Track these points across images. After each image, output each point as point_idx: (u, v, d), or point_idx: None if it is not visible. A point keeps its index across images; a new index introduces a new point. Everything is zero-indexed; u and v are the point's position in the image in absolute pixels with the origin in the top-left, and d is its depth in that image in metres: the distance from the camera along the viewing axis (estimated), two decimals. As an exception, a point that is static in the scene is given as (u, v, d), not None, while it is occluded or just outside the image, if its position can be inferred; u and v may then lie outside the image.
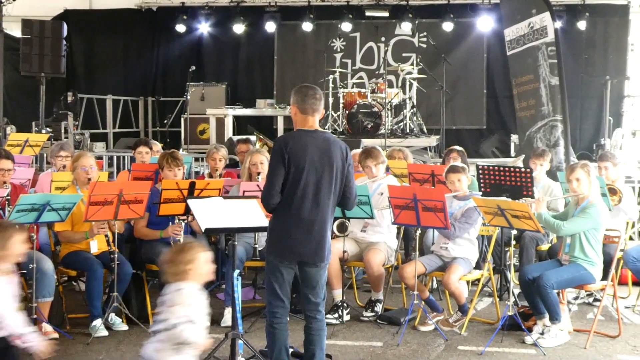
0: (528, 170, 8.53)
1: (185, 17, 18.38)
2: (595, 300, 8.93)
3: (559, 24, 14.96)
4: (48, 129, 15.39)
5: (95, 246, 7.96)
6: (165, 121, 17.17)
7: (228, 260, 7.68)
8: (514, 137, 15.68)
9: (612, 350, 7.43)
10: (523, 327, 7.49)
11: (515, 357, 7.25)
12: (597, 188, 7.79)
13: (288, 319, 6.28)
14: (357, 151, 10.14)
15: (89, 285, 7.82)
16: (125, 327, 7.95)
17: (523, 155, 11.89)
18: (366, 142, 13.88)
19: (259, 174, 8.69)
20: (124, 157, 13.90)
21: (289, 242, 6.08)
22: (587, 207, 7.57)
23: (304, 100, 6.15)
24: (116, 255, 7.71)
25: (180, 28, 18.47)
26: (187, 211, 7.81)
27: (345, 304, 8.31)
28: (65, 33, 15.88)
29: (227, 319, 7.92)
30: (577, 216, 7.59)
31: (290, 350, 6.74)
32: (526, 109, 11.93)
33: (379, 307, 8.47)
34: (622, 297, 9.09)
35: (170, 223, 8.18)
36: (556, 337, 7.52)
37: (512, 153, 15.76)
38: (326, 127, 16.32)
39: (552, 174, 9.98)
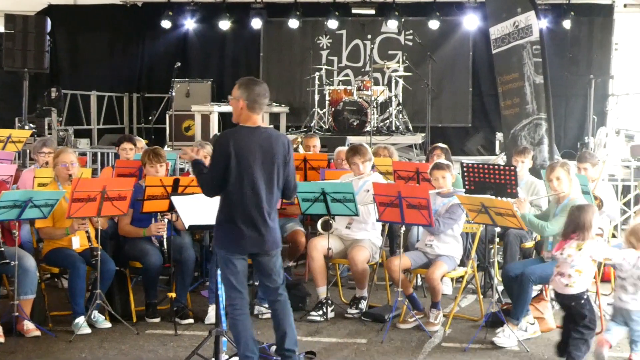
0: (512, 168, 8.54)
1: (170, 13, 18.30)
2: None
3: (544, 23, 15.04)
4: (31, 125, 15.30)
5: (77, 242, 7.93)
6: (150, 117, 17.12)
7: (212, 258, 7.66)
8: (499, 135, 15.72)
9: (594, 346, 7.44)
10: (506, 323, 7.50)
11: (499, 353, 7.27)
12: (578, 186, 7.82)
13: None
14: (343, 148, 10.17)
15: (72, 283, 7.79)
16: (108, 324, 7.92)
17: (504, 153, 11.94)
18: (352, 139, 13.92)
19: None
20: (108, 153, 13.84)
21: (236, 236, 6.20)
22: (569, 206, 7.57)
23: (255, 99, 6.28)
24: (99, 252, 7.68)
25: (166, 24, 18.40)
26: (171, 208, 7.80)
27: (329, 301, 8.32)
28: (49, 28, 15.78)
29: (211, 316, 7.90)
30: (559, 216, 7.61)
31: (274, 347, 6.76)
32: (511, 107, 11.95)
33: (363, 304, 8.47)
34: (605, 294, 9.12)
35: (153, 220, 8.16)
36: (526, 332, 7.59)
37: (497, 151, 15.80)
38: (312, 124, 16.33)
39: (536, 171, 10.01)
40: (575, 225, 6.82)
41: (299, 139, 12.57)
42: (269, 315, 7.97)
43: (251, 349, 6.26)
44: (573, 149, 16.00)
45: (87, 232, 7.84)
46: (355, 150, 8.72)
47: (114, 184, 7.86)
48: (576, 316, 6.88)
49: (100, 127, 18.27)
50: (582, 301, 6.85)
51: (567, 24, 16.96)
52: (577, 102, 17.28)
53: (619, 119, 16.01)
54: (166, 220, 8.13)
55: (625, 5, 17.14)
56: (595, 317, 7.05)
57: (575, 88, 17.11)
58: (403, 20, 17.86)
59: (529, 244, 9.17)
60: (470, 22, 17.35)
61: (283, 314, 6.41)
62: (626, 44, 16.83)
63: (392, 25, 17.92)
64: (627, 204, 11.42)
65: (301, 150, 11.60)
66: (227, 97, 17.54)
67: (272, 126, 7.26)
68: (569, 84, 17.11)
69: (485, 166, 8.66)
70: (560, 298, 6.97)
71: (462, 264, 8.31)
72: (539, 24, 11.83)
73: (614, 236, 10.17)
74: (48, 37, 15.75)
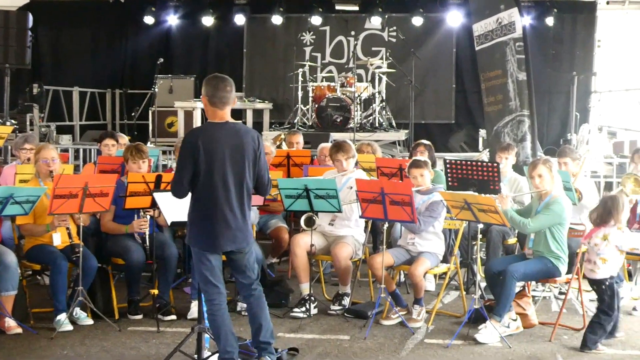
0: (495, 164, 8.56)
1: (153, 9, 18.26)
2: (560, 293, 9.00)
3: (527, 20, 15.08)
4: (13, 121, 15.23)
5: (59, 239, 7.90)
6: (133, 114, 17.07)
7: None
8: (482, 132, 15.75)
9: (577, 342, 7.47)
10: (489, 320, 7.51)
11: (482, 349, 7.28)
12: (560, 183, 7.84)
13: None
14: (327, 145, 10.17)
15: (53, 279, 7.75)
16: (90, 321, 7.89)
17: (487, 150, 11.96)
18: (335, 135, 13.91)
19: None
20: (90, 149, 13.79)
21: (207, 234, 6.20)
22: (550, 204, 7.62)
23: (214, 94, 6.23)
24: (81, 249, 7.65)
25: (149, 20, 18.35)
26: (154, 204, 7.77)
27: (312, 298, 8.32)
28: (30, 24, 15.70)
29: (193, 313, 7.89)
30: (541, 213, 7.64)
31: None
32: (494, 103, 11.97)
33: (346, 301, 8.48)
34: (587, 291, 9.12)
35: (136, 217, 8.14)
36: (508, 328, 7.63)
37: (480, 147, 15.83)
38: (295, 120, 16.32)
39: (519, 168, 10.04)
40: (606, 214, 7.16)
41: (282, 136, 12.57)
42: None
43: (231, 343, 6.27)
44: (556, 145, 16.02)
45: (67, 228, 7.81)
46: (338, 147, 8.72)
47: (96, 180, 7.82)
48: (598, 300, 7.30)
49: (83, 123, 18.19)
50: (604, 287, 7.19)
51: (550, 20, 17.04)
52: (559, 99, 17.35)
53: (601, 116, 16.08)
54: (148, 216, 8.11)
55: (607, 2, 17.22)
56: (615, 305, 7.21)
57: (558, 85, 17.17)
58: (386, 16, 17.91)
59: (512, 240, 9.20)
60: (454, 18, 17.38)
61: (258, 308, 6.43)
62: (609, 41, 16.90)
63: (375, 21, 17.94)
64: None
65: (284, 146, 11.59)
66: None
67: (241, 121, 7.24)
68: (551, 81, 17.17)
69: (468, 163, 8.68)
70: (588, 281, 7.40)
71: (445, 260, 8.32)
72: (522, 21, 11.86)
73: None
74: (30, 33, 15.68)
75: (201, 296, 6.62)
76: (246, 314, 7.72)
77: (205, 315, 6.56)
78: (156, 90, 16.38)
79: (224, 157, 6.14)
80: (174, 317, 8.08)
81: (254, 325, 6.45)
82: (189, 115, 16.50)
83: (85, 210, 7.71)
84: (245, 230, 6.30)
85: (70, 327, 7.67)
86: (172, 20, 18.79)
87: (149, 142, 15.90)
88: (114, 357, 7.03)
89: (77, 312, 7.87)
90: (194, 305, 7.87)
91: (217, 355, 6.54)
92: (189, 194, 6.26)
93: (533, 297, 8.24)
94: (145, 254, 8.11)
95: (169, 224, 7.12)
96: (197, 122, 16.39)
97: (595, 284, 7.27)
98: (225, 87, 6.25)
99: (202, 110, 16.57)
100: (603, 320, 7.21)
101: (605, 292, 7.20)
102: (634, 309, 8.49)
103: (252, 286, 6.43)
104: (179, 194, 6.24)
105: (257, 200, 7.54)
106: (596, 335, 7.21)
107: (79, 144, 15.69)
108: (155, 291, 8.01)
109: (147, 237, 8.11)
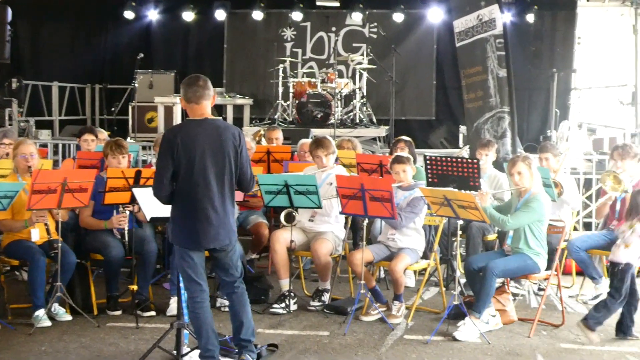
0: (475, 161, 8.58)
1: (134, 3, 18.15)
2: (540, 289, 9.04)
3: (507, 17, 15.09)
4: (-8, 116, 15.14)
5: (37, 235, 7.87)
6: (113, 109, 17.00)
7: (173, 250, 7.62)
8: (463, 128, 15.77)
9: (556, 338, 7.52)
10: (468, 316, 7.53)
11: (461, 345, 7.30)
12: (540, 180, 7.87)
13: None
14: (307, 141, 10.16)
15: (32, 275, 7.71)
16: (69, 317, 7.87)
17: (468, 146, 11.99)
18: (316, 131, 13.90)
19: None
20: (69, 145, 13.72)
21: (189, 231, 6.19)
22: (529, 201, 7.65)
23: (187, 90, 6.25)
24: (59, 245, 7.62)
25: (129, 15, 18.25)
26: (133, 200, 7.75)
27: (292, 294, 8.31)
28: (9, 18, 15.61)
29: (172, 309, 7.87)
30: (520, 210, 7.67)
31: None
32: (474, 100, 12.00)
33: (326, 297, 8.49)
34: (566, 287, 9.22)
35: (115, 212, 8.12)
36: (487, 324, 7.65)
37: (461, 144, 15.85)
38: (276, 116, 16.30)
39: (498, 164, 10.07)
40: (635, 207, 7.39)
41: (262, 131, 12.55)
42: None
43: (212, 341, 6.27)
44: (536, 142, 16.08)
45: (46, 224, 7.77)
46: (318, 143, 8.71)
47: (74, 175, 7.79)
48: (610, 282, 7.55)
49: (62, 118, 18.09)
50: (616, 270, 7.37)
51: (530, 17, 17.08)
52: (540, 96, 17.40)
53: (581, 113, 16.13)
54: (128, 212, 8.09)
55: (587, 0, 17.27)
56: (623, 290, 7.32)
57: (538, 82, 17.21)
58: (367, 12, 17.89)
59: (492, 236, 9.23)
60: (435, 15, 17.40)
61: (240, 305, 6.42)
62: (588, 38, 16.94)
63: (356, 17, 17.93)
64: (589, 197, 11.52)
65: (264, 142, 11.58)
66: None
67: (221, 117, 7.23)
68: (532, 78, 17.21)
69: (449, 159, 8.70)
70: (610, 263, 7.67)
71: (425, 256, 8.34)
72: (503, 18, 11.88)
73: (575, 229, 10.26)
74: (9, 27, 15.57)
75: (180, 292, 6.61)
76: (226, 309, 7.74)
77: (185, 311, 6.55)
78: (136, 85, 16.30)
79: (203, 153, 6.13)
80: (153, 313, 8.06)
81: (235, 322, 6.44)
82: (169, 110, 16.43)
83: (64, 206, 7.68)
84: (228, 227, 6.27)
85: (48, 323, 7.64)
86: (153, 15, 18.71)
87: (128, 138, 15.82)
88: (93, 353, 7.00)
89: (56, 307, 7.84)
90: (173, 302, 7.86)
91: (196, 351, 6.53)
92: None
93: (513, 295, 8.27)
94: (125, 250, 8.09)
95: (148, 219, 7.10)
96: (177, 117, 16.34)
97: (612, 266, 7.48)
98: (198, 82, 6.25)
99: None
100: (608, 302, 7.37)
101: (616, 275, 7.36)
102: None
103: (235, 284, 6.42)
104: (160, 192, 6.21)
105: (237, 196, 7.50)
106: (599, 313, 7.37)
107: (58, 139, 15.58)
108: (135, 287, 8.00)
109: (126, 232, 8.08)
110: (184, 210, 6.19)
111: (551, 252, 7.87)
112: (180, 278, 6.58)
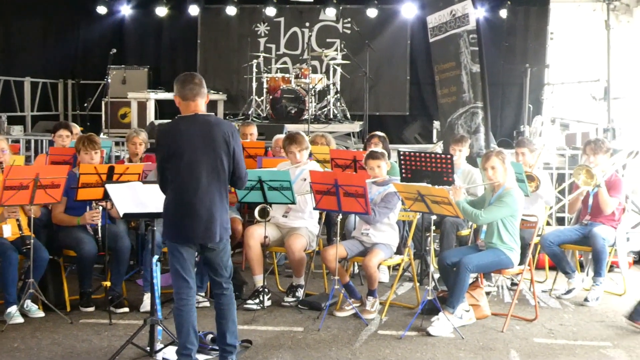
0: (448, 156, 8.61)
1: (106, -2, 18.07)
2: (513, 284, 9.10)
3: (480, 12, 15.13)
4: (-37, 112, 15.01)
5: (9, 231, 7.82)
6: (86, 104, 16.89)
7: (147, 246, 7.60)
8: (436, 124, 15.82)
9: (529, 333, 7.56)
10: (442, 311, 7.56)
11: (435, 340, 7.33)
12: (513, 175, 7.91)
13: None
14: (282, 136, 10.15)
15: (3, 272, 7.65)
16: (41, 313, 7.83)
17: (441, 142, 12.03)
18: (290, 127, 13.88)
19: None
20: (42, 140, 13.63)
21: (179, 226, 6.16)
22: (503, 196, 7.69)
23: (183, 87, 6.25)
24: (32, 241, 7.58)
25: (102, 10, 18.13)
26: (106, 196, 7.71)
27: (266, 290, 8.31)
28: (-20, 13, 15.47)
29: (146, 305, 7.86)
30: (493, 205, 7.71)
31: (210, 336, 6.76)
32: (448, 95, 12.04)
33: (300, 293, 8.49)
34: (539, 282, 9.28)
35: (88, 208, 8.08)
36: (461, 319, 7.69)
37: (435, 139, 15.91)
38: (250, 112, 16.29)
39: (472, 160, 10.11)
40: None
41: (236, 127, 12.50)
42: (205, 304, 8.01)
43: (191, 340, 6.20)
44: (509, 137, 16.20)
45: (18, 220, 7.73)
46: (292, 138, 8.71)
47: (47, 171, 7.74)
48: None
49: (35, 114, 17.94)
50: None
51: (503, 13, 17.16)
52: (513, 91, 17.49)
53: (554, 108, 16.23)
54: (100, 208, 8.06)
55: (560, -6, 17.38)
56: None
57: (511, 77, 17.28)
58: (341, 8, 17.89)
59: (465, 231, 9.28)
60: (408, 10, 17.42)
61: (227, 309, 6.36)
62: (561, 34, 17.05)
63: (330, 13, 17.93)
64: (562, 192, 11.59)
65: (238, 138, 11.54)
66: (164, 85, 17.43)
67: (213, 114, 7.27)
68: (505, 73, 17.28)
69: (422, 154, 8.73)
70: None
71: (399, 251, 8.37)
72: (476, 13, 11.94)
73: (548, 224, 10.32)
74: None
75: (154, 288, 6.60)
76: (201, 305, 7.75)
77: (159, 307, 6.54)
78: (109, 80, 16.21)
79: (194, 148, 6.11)
80: (126, 309, 8.04)
81: (221, 326, 6.37)
82: (142, 106, 16.38)
83: (36, 202, 7.63)
84: (219, 224, 6.19)
85: (21, 320, 7.60)
86: (125, 10, 18.62)
87: (101, 133, 15.75)
88: (65, 350, 6.96)
89: (28, 304, 7.80)
90: (147, 298, 7.82)
91: (170, 347, 6.52)
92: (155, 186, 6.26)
93: (487, 293, 8.32)
94: (98, 246, 8.06)
95: (121, 215, 7.07)
96: (150, 113, 16.30)
97: None
98: (194, 80, 6.27)
99: (156, 101, 16.63)
100: None
101: None
102: (586, 299, 8.60)
103: (224, 285, 6.37)
104: (163, 187, 6.26)
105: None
106: None
107: (30, 134, 15.49)
108: (108, 283, 7.98)
109: (99, 228, 8.05)
110: (174, 204, 6.16)
111: (524, 247, 7.92)
112: (154, 274, 6.57)
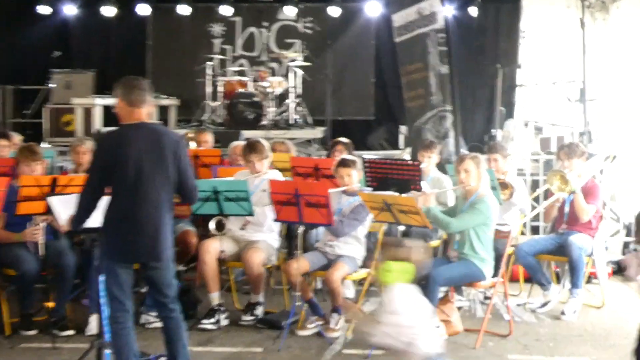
0: (416, 162, 8.64)
1: (49, -3, 17.93)
2: (486, 298, 9.12)
3: (449, 10, 15.18)
4: None
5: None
6: (25, 111, 16.72)
7: (93, 263, 7.51)
8: (403, 129, 15.86)
9: (503, 349, 7.60)
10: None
11: None
12: (487, 182, 7.94)
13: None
14: (239, 143, 10.14)
15: (-63, 293, 7.56)
16: (-22, 338, 7.74)
17: (410, 148, 12.07)
18: (247, 133, 13.86)
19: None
20: (-21, 151, 13.45)
21: (121, 243, 6.11)
22: (476, 203, 7.72)
23: (130, 92, 6.21)
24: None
25: (44, 10, 17.96)
26: (49, 210, 7.63)
27: (222, 308, 8.28)
28: None
29: (92, 327, 7.80)
30: (466, 212, 7.74)
31: (163, 359, 6.72)
32: (415, 98, 12.09)
33: (259, 310, 8.46)
34: (514, 295, 9.31)
35: (27, 224, 7.99)
36: None
37: (401, 145, 15.93)
38: (203, 117, 16.23)
39: (441, 166, 10.14)
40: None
41: (190, 134, 12.47)
42: (157, 325, 7.91)
43: None
44: (480, 142, 16.23)
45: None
46: (251, 147, 8.68)
47: (-17, 184, 7.66)
48: None
49: (-30, 122, 17.77)
50: None
51: (473, 11, 17.21)
52: (484, 93, 17.52)
53: (527, 111, 16.32)
54: (42, 224, 7.96)
55: (532, -9, 17.51)
56: None
57: (482, 78, 17.34)
58: (301, 6, 17.87)
59: (435, 242, 9.29)
60: (373, 8, 17.42)
61: (175, 332, 6.35)
62: (534, 32, 17.16)
63: (289, 11, 17.88)
64: (536, 199, 11.65)
65: (193, 146, 11.50)
66: (111, 90, 17.27)
67: (160, 122, 7.22)
68: (475, 74, 17.32)
69: (388, 161, 8.77)
70: None
71: (365, 265, 8.35)
72: (444, 11, 12.01)
73: (522, 233, 10.38)
74: None
75: (101, 309, 6.52)
76: (151, 326, 7.70)
77: (107, 328, 6.48)
78: (52, 85, 16.07)
79: (139, 159, 6.05)
80: (71, 332, 7.98)
81: (170, 351, 6.35)
82: (87, 112, 16.19)
83: (-28, 218, 7.54)
84: (163, 241, 6.16)
85: (-43, 345, 7.52)
86: (70, 10, 18.44)
87: (43, 143, 15.60)
88: (5, 377, 6.89)
89: (-35, 327, 7.70)
90: (93, 320, 7.77)
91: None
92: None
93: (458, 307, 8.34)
94: (39, 264, 7.96)
95: (65, 229, 6.99)
96: (96, 120, 16.14)
97: None
98: (140, 85, 6.24)
99: (103, 107, 16.50)
100: None
101: None
102: (562, 313, 8.65)
103: (169, 306, 6.33)
104: (85, 203, 6.11)
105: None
106: None
107: (-34, 144, 15.29)
108: (51, 304, 7.89)
109: (40, 245, 7.95)
110: (117, 219, 6.09)
111: (497, 258, 7.95)
112: (101, 294, 6.50)
